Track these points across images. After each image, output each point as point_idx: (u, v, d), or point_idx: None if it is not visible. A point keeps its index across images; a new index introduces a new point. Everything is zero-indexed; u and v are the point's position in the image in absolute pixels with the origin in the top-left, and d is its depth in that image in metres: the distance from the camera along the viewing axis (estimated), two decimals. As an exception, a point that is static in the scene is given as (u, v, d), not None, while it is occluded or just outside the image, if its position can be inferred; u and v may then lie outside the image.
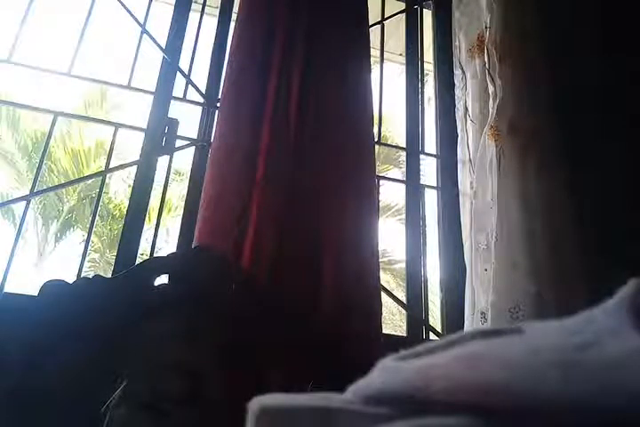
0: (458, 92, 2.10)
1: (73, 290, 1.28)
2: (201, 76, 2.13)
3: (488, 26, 1.86)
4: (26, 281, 6.94)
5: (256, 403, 0.32)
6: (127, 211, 1.85)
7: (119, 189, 7.79)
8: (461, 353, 0.29)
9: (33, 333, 1.30)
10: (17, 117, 7.34)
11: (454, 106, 2.11)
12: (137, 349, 1.22)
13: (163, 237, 7.29)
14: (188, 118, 2.08)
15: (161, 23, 2.23)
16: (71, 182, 6.02)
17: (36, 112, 2.19)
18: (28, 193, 1.88)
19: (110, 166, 2.11)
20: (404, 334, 1.97)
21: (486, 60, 1.85)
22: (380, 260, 1.74)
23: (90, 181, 7.26)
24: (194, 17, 2.20)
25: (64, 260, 7.59)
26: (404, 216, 2.32)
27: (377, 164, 1.95)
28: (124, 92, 2.24)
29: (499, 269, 1.54)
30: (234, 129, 1.71)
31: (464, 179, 1.98)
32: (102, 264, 7.57)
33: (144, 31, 2.09)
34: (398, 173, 7.81)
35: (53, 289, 1.28)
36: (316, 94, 1.80)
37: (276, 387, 1.36)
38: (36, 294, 1.30)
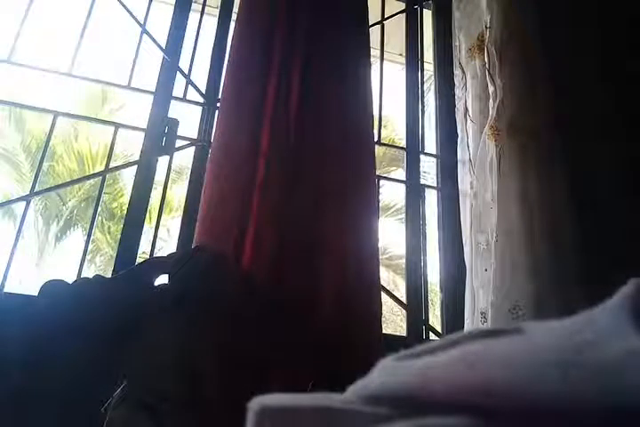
0: (458, 92, 2.10)
1: (73, 290, 1.28)
2: (201, 76, 2.13)
3: (488, 26, 1.86)
4: (26, 281, 6.95)
5: (256, 403, 0.32)
6: (127, 211, 1.85)
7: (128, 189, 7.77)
8: (461, 353, 0.29)
9: (33, 333, 1.30)
10: (22, 118, 7.33)
11: (454, 106, 2.11)
12: (137, 349, 1.22)
13: (163, 237, 7.28)
14: (188, 118, 2.08)
15: (161, 23, 2.23)
16: (71, 183, 6.02)
17: (38, 112, 2.19)
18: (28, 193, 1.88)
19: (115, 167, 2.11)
20: (404, 334, 1.97)
21: (486, 60, 1.85)
22: (381, 256, 1.74)
23: (92, 182, 7.25)
24: (194, 17, 2.20)
25: (66, 260, 7.59)
26: (403, 216, 2.32)
27: (382, 164, 1.96)
28: (125, 92, 2.24)
29: (499, 269, 1.54)
30: (234, 129, 1.71)
31: (464, 179, 1.98)
32: (112, 264, 7.54)
33: (144, 31, 2.09)
34: (404, 173, 7.78)
35: (53, 289, 1.28)
36: (315, 94, 1.80)
37: (276, 387, 1.36)
38: (36, 294, 1.30)
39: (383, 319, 1.63)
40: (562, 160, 1.63)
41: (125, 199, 7.55)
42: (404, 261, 2.21)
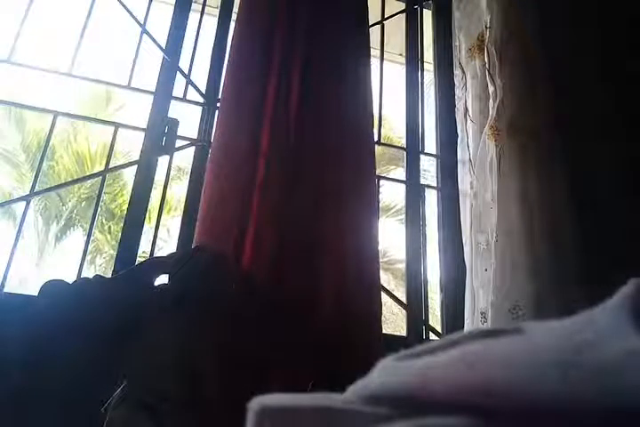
0: (458, 92, 2.10)
1: (73, 290, 1.28)
2: (201, 76, 2.13)
3: (488, 26, 1.86)
4: (26, 281, 6.94)
5: (256, 403, 0.32)
6: (127, 211, 1.85)
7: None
8: (461, 353, 0.29)
9: (33, 333, 1.30)
10: (22, 118, 7.33)
11: (454, 106, 2.11)
12: (137, 349, 1.22)
13: (163, 237, 7.28)
14: (188, 118, 2.08)
15: (161, 23, 2.23)
16: (71, 182, 6.02)
17: (38, 112, 2.19)
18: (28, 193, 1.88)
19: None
20: (404, 334, 1.97)
21: (486, 60, 1.85)
22: (381, 260, 1.74)
23: (92, 182, 7.25)
24: (194, 17, 2.20)
25: (66, 260, 7.59)
26: (404, 216, 2.32)
27: (381, 164, 1.96)
28: (125, 92, 2.24)
29: (499, 269, 1.54)
30: (234, 129, 1.71)
31: (464, 179, 1.98)
32: (112, 264, 7.53)
33: (144, 31, 2.09)
34: (403, 173, 7.76)
35: (53, 289, 1.28)
36: (315, 94, 1.80)
37: (276, 387, 1.36)
38: (36, 294, 1.30)
39: (383, 319, 1.63)
40: (562, 160, 1.63)
41: (124, 199, 7.55)
42: (403, 265, 2.21)
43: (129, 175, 7.32)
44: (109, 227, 7.73)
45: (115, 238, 7.40)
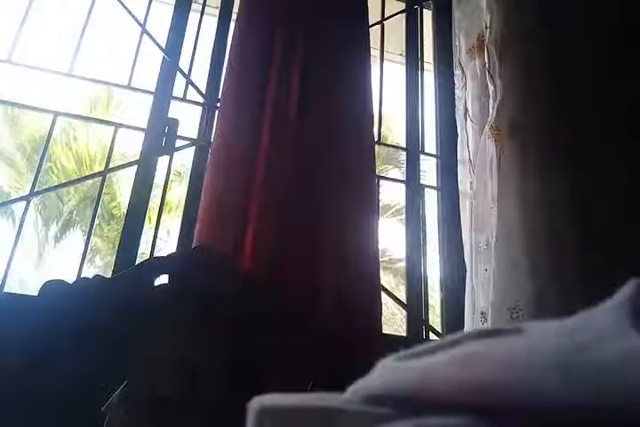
0: (458, 92, 2.10)
1: (73, 290, 1.28)
2: (201, 76, 2.13)
3: (488, 26, 1.86)
4: (26, 281, 6.94)
5: (256, 403, 0.32)
6: (127, 211, 1.85)
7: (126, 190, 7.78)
8: (461, 353, 0.29)
9: (33, 333, 1.30)
10: (22, 118, 7.33)
11: (454, 106, 2.11)
12: (137, 349, 1.22)
13: (163, 237, 7.28)
14: (188, 118, 2.08)
15: (161, 23, 2.23)
16: (70, 182, 6.02)
17: (38, 112, 2.19)
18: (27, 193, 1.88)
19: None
20: (404, 334, 1.97)
21: (486, 60, 1.85)
22: (381, 259, 1.74)
23: (90, 182, 7.24)
24: (194, 17, 2.20)
25: (66, 260, 7.59)
26: (404, 216, 2.32)
27: (377, 164, 1.96)
28: (125, 92, 2.24)
29: (499, 269, 1.54)
30: (234, 129, 1.71)
31: (464, 179, 1.98)
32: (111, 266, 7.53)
33: (144, 31, 2.09)
34: (398, 173, 7.79)
35: (53, 289, 1.28)
36: (315, 94, 1.80)
37: (276, 387, 1.36)
38: (37, 295, 1.30)
39: (383, 319, 1.63)
40: (562, 160, 1.62)
41: (119, 201, 7.56)
42: (403, 265, 2.21)
43: (123, 179, 7.32)
44: (109, 230, 7.73)
45: (111, 241, 7.40)
